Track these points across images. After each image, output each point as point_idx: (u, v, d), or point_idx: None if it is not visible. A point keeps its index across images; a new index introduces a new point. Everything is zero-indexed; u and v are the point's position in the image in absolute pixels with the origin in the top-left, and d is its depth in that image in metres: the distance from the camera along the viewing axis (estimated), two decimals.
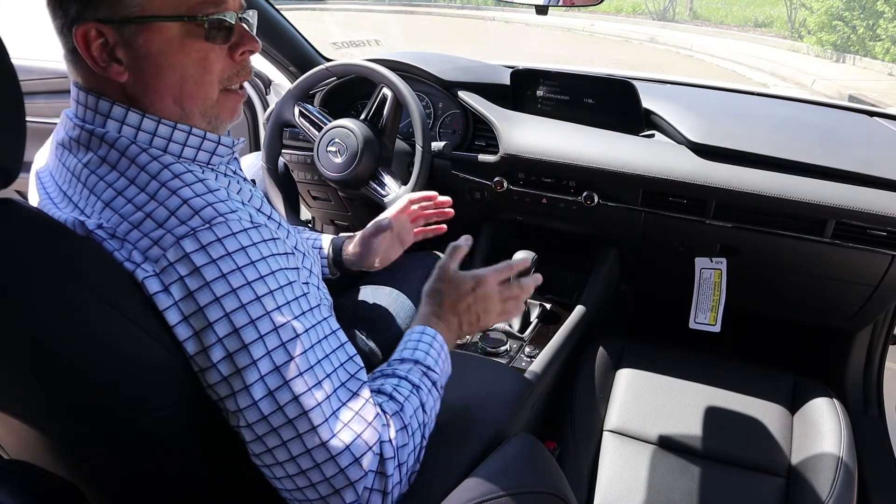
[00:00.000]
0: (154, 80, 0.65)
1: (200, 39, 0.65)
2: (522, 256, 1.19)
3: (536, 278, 0.88)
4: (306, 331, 0.63)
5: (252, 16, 0.72)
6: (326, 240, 1.12)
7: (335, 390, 0.64)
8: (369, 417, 0.64)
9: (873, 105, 1.66)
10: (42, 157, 0.74)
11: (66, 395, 0.55)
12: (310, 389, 0.61)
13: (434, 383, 0.75)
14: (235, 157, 0.78)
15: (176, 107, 0.67)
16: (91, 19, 0.61)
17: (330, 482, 0.62)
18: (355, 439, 0.62)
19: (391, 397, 0.70)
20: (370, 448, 0.63)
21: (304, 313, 0.64)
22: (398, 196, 1.28)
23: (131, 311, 0.57)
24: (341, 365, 0.66)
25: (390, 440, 0.65)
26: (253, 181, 0.81)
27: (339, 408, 0.63)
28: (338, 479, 0.62)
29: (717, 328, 1.29)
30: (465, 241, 0.88)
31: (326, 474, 0.62)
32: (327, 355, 0.65)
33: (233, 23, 0.67)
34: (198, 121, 0.69)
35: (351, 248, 1.10)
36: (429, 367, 0.76)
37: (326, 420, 0.61)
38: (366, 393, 0.66)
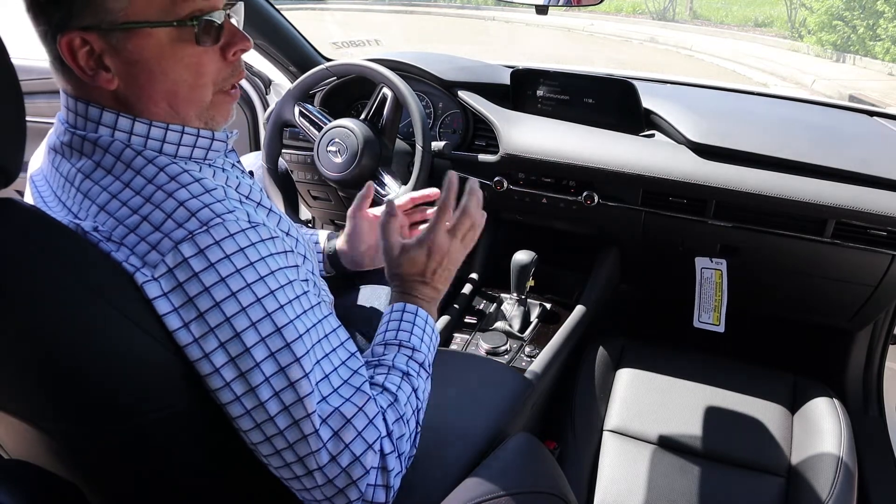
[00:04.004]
0: (147, 86, 0.63)
1: (191, 44, 0.62)
2: (522, 257, 1.19)
3: (472, 191, 0.82)
4: (307, 330, 0.63)
5: (238, 9, 0.69)
6: (322, 235, 1.09)
7: (336, 389, 0.64)
8: (371, 414, 0.65)
9: (873, 105, 1.66)
10: (36, 161, 0.73)
11: (65, 394, 0.55)
12: (313, 391, 0.62)
13: (421, 364, 0.75)
14: (233, 149, 0.77)
15: (171, 111, 0.65)
16: (75, 27, 0.59)
17: (333, 482, 0.63)
18: (355, 438, 0.63)
19: (384, 388, 0.70)
20: (370, 446, 0.64)
21: (304, 312, 0.64)
22: (398, 196, 1.27)
23: (131, 311, 0.57)
24: (343, 363, 0.67)
25: (389, 435, 0.66)
26: (251, 172, 0.80)
27: (341, 404, 0.64)
28: (340, 479, 0.63)
29: (720, 328, 1.29)
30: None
31: (329, 475, 0.63)
32: (327, 355, 0.65)
33: (221, 22, 0.64)
34: (193, 122, 0.67)
35: (341, 239, 1.06)
36: (414, 348, 0.75)
37: (325, 421, 0.62)
38: (367, 390, 0.66)
